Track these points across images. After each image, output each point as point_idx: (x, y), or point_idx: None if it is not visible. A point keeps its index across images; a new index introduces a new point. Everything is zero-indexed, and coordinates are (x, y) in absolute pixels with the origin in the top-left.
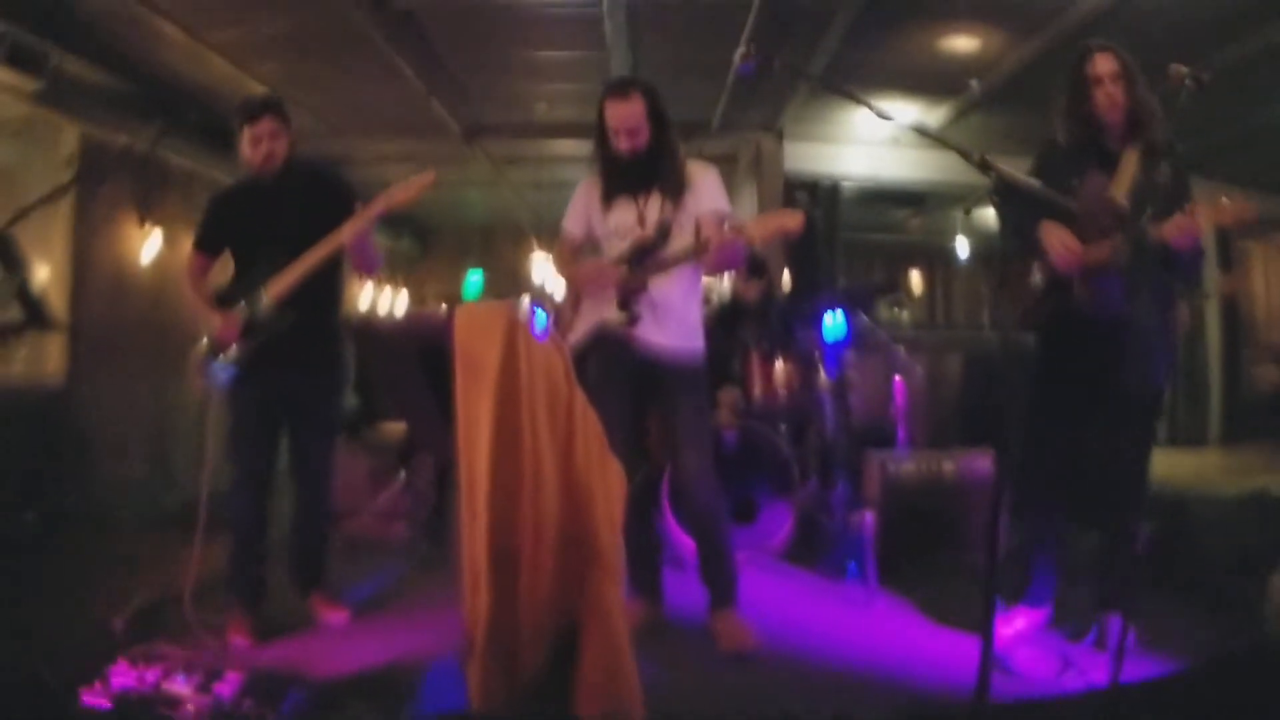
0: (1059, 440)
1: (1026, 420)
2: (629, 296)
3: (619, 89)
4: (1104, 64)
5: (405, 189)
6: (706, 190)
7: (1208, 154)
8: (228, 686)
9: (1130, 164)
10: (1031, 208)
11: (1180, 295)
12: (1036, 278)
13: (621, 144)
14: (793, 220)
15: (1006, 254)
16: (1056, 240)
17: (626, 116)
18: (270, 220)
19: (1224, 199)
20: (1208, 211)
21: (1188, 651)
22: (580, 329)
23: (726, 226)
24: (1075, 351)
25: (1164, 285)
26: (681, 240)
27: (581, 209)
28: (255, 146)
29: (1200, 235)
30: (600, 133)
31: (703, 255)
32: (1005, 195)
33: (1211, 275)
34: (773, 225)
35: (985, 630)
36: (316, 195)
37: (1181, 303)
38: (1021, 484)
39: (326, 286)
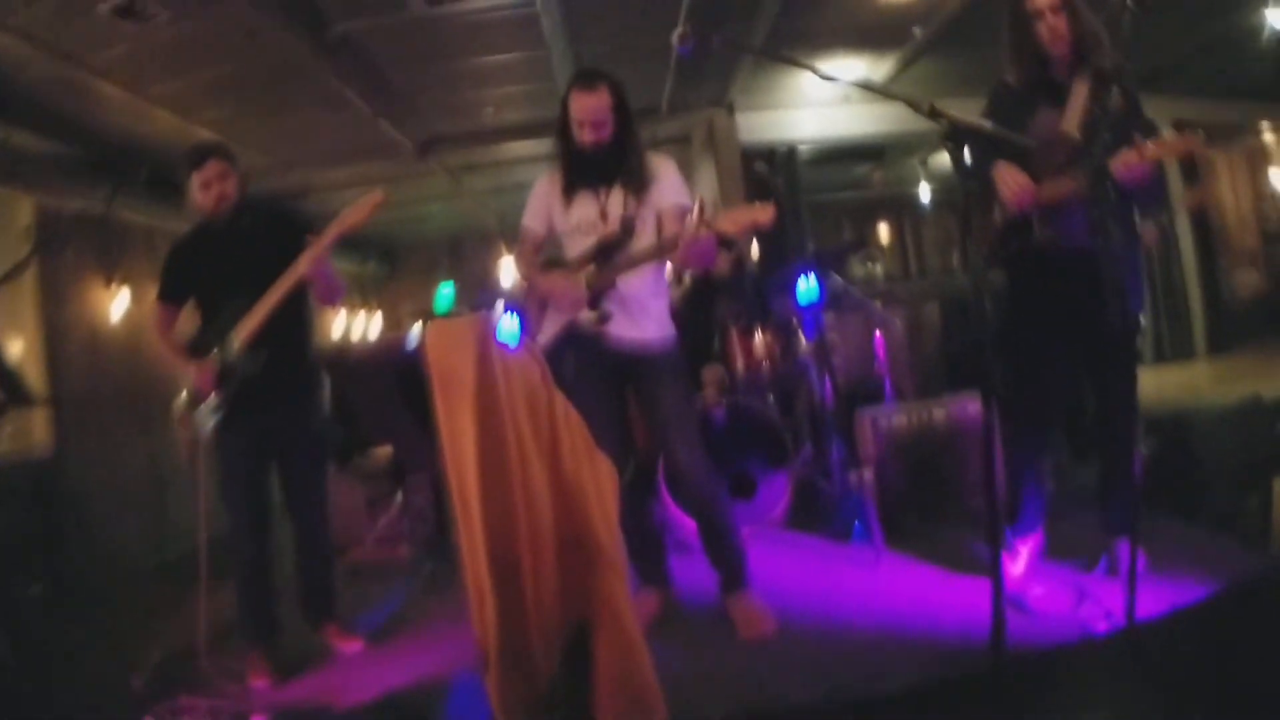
0: (1040, 376)
1: (1008, 358)
2: (598, 295)
3: (585, 81)
4: None
5: (355, 212)
6: (668, 184)
7: (1163, 70)
8: None
9: (1080, 94)
10: (987, 149)
11: (1143, 219)
12: (997, 217)
13: (586, 136)
14: (764, 214)
15: (968, 197)
16: (1010, 179)
17: (593, 109)
18: (229, 263)
19: (1168, 133)
20: (1155, 149)
21: (1199, 569)
22: (549, 330)
23: (696, 218)
24: (1044, 288)
25: (1127, 213)
26: (645, 236)
27: (542, 205)
28: (205, 191)
29: (1147, 171)
30: (563, 125)
31: (670, 253)
32: (958, 140)
33: (1177, 189)
34: (744, 219)
35: (994, 574)
36: (271, 233)
37: (1149, 223)
38: (1008, 421)
39: (294, 320)
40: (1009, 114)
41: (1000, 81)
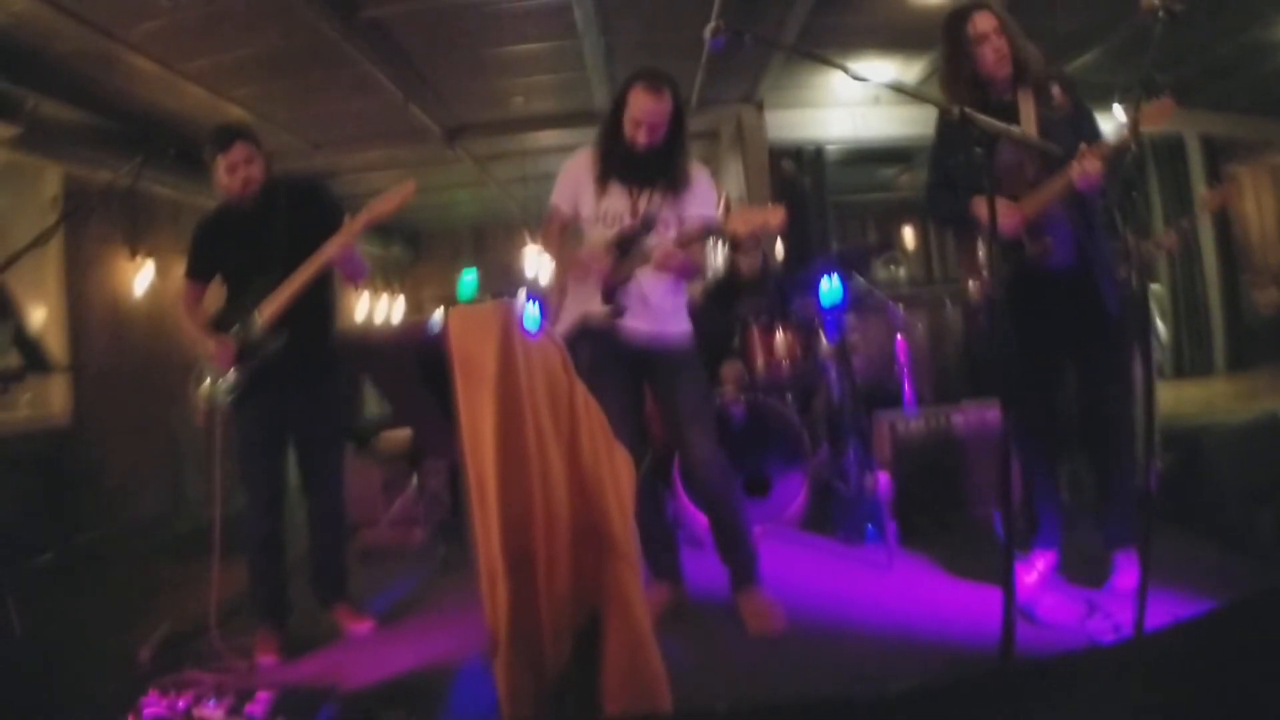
0: (1036, 395)
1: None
2: (614, 288)
3: (652, 83)
4: (984, 21)
5: (386, 201)
6: (699, 195)
7: (1190, 84)
8: (259, 706)
9: (1029, 106)
10: (951, 189)
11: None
12: (980, 251)
13: (641, 137)
14: (775, 217)
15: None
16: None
17: (655, 112)
18: (257, 243)
19: (1141, 104)
20: (1103, 148)
21: (1210, 585)
22: (565, 320)
23: (721, 216)
24: (1033, 307)
25: (1098, 220)
26: (667, 237)
27: (571, 187)
28: (231, 175)
29: (1100, 173)
30: (614, 118)
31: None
32: (990, 146)
33: (1199, 191)
34: (756, 221)
35: (1006, 582)
36: (301, 212)
37: (1170, 229)
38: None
39: (318, 301)
40: (960, 146)
41: (944, 119)
